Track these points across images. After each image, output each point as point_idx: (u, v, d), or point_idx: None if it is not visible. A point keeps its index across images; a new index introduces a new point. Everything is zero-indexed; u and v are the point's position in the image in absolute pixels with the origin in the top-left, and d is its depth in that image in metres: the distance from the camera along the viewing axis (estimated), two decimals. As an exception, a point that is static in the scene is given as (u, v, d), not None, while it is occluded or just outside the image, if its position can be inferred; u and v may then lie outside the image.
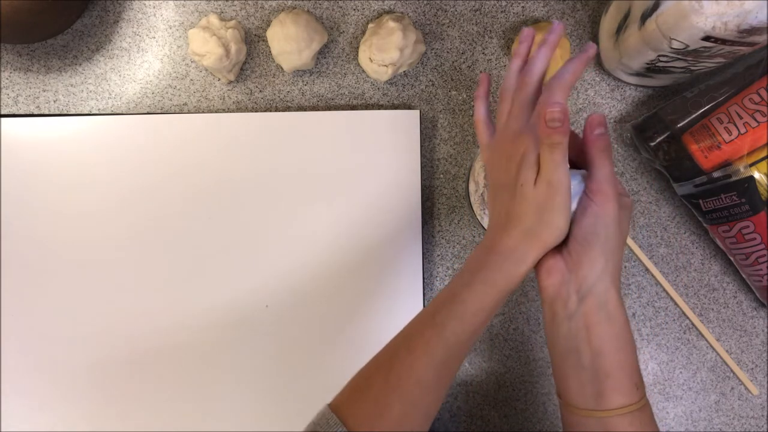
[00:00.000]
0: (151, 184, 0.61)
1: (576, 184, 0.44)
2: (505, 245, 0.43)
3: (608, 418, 0.42)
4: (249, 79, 0.63)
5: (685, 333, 0.65)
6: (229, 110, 0.63)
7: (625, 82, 0.63)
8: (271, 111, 0.63)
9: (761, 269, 0.59)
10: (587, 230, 0.42)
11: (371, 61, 0.59)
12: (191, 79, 0.62)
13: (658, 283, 0.65)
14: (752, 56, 0.56)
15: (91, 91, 0.62)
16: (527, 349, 0.64)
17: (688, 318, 0.65)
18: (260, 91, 0.63)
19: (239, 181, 0.61)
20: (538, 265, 0.45)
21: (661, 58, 0.54)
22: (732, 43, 0.48)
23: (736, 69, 0.57)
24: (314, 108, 0.63)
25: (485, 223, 0.61)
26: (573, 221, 0.43)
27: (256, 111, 0.63)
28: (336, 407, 0.42)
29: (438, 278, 0.64)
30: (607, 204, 0.42)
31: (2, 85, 0.62)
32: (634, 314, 0.65)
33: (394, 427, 0.41)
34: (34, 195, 0.60)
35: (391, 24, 0.58)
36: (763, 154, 0.55)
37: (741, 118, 0.55)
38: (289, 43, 0.58)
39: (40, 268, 0.60)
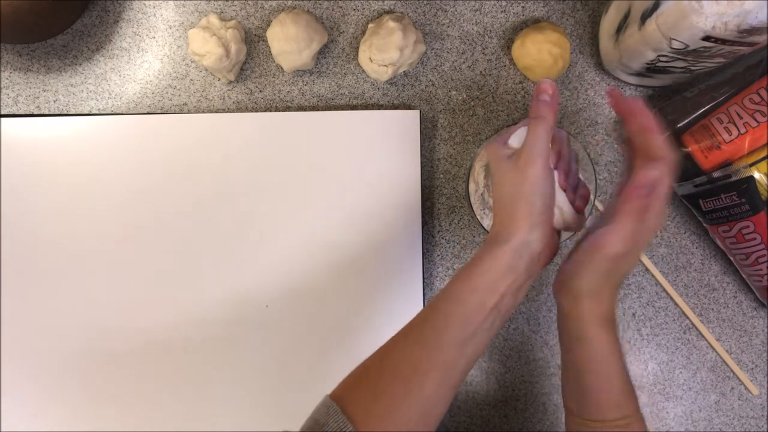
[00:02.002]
0: (151, 184, 0.61)
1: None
2: (492, 231, 0.46)
3: (588, 428, 0.46)
4: (249, 79, 0.63)
5: (685, 333, 0.65)
6: (229, 110, 0.63)
7: (625, 82, 0.63)
8: (271, 111, 0.63)
9: (761, 269, 0.59)
10: (569, 271, 0.45)
11: (371, 61, 0.59)
12: (191, 79, 0.62)
13: (658, 283, 0.65)
14: (752, 56, 0.56)
15: (91, 91, 0.62)
16: (527, 349, 0.64)
17: (688, 318, 0.65)
18: (260, 91, 0.63)
19: (239, 181, 0.61)
20: None
21: (661, 58, 0.54)
22: (732, 43, 0.48)
23: (736, 69, 0.57)
24: (314, 108, 0.63)
25: (485, 223, 0.61)
26: (569, 255, 0.46)
27: (256, 111, 0.63)
28: (335, 395, 0.43)
29: (438, 278, 0.64)
30: (599, 264, 0.44)
31: (2, 85, 0.62)
32: (634, 314, 0.65)
33: (390, 410, 0.41)
34: (34, 195, 0.60)
35: (391, 24, 0.58)
36: (763, 154, 0.55)
37: (741, 118, 0.55)
38: (289, 43, 0.58)
39: (40, 268, 0.60)
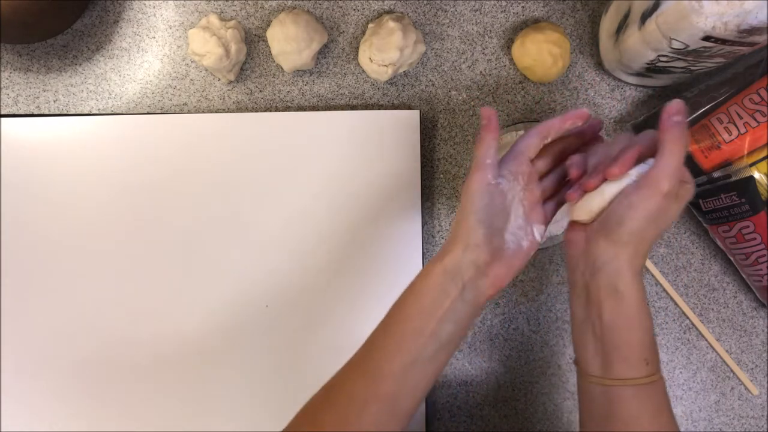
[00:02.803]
0: (150, 184, 0.61)
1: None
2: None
3: (613, 387, 0.43)
4: (249, 79, 0.63)
5: (685, 333, 0.65)
6: (229, 110, 0.63)
7: (625, 82, 0.63)
8: (271, 111, 0.63)
9: (761, 269, 0.59)
10: (615, 217, 0.42)
11: (371, 61, 0.59)
12: (191, 79, 0.62)
13: (658, 283, 0.65)
14: (752, 56, 0.56)
15: (91, 91, 0.62)
16: (527, 349, 0.64)
17: (688, 318, 0.65)
18: (260, 91, 0.63)
19: (239, 181, 0.61)
20: (565, 236, 0.46)
21: (661, 58, 0.54)
22: (732, 43, 0.48)
23: (736, 69, 0.57)
24: (314, 108, 0.63)
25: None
26: (614, 200, 0.43)
27: (256, 111, 0.63)
28: (285, 430, 0.43)
29: (438, 278, 0.64)
30: (650, 199, 0.41)
31: (2, 85, 0.62)
32: (634, 314, 0.65)
33: None
34: (34, 195, 0.60)
35: (391, 24, 0.58)
36: (763, 154, 0.55)
37: (741, 118, 0.55)
38: (289, 43, 0.58)
39: (40, 269, 0.60)
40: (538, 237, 0.45)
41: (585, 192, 0.44)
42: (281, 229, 0.61)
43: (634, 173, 0.43)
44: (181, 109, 0.63)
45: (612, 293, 0.43)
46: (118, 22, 0.62)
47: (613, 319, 0.43)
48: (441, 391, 0.64)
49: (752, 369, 0.65)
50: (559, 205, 0.48)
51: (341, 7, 0.63)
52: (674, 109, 0.41)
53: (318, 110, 0.62)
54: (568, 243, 0.46)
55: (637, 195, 0.41)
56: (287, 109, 0.63)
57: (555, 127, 0.46)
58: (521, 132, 0.60)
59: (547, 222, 0.47)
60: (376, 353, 0.43)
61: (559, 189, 0.48)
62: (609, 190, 0.43)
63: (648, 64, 0.56)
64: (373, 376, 0.41)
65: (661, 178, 0.40)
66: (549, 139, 0.47)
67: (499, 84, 0.64)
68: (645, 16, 0.51)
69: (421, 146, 0.63)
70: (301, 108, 0.63)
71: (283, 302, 0.61)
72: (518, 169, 0.45)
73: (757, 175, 0.55)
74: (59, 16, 0.57)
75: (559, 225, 0.57)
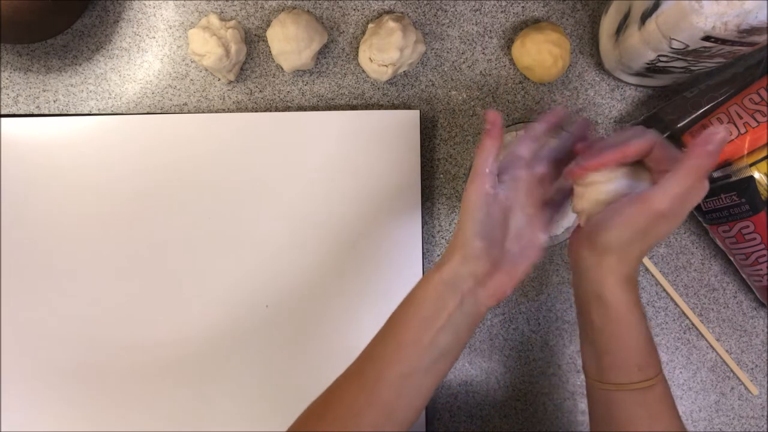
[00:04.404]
0: (150, 184, 0.61)
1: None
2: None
3: (609, 391, 0.44)
4: (249, 79, 0.63)
5: (685, 333, 0.65)
6: (229, 110, 0.63)
7: (625, 82, 0.63)
8: (271, 111, 0.63)
9: (761, 269, 0.59)
10: (603, 223, 0.42)
11: (371, 61, 0.59)
12: (191, 79, 0.63)
13: (658, 283, 0.65)
14: (752, 56, 0.56)
15: (91, 91, 0.62)
16: (527, 349, 0.64)
17: (688, 318, 0.65)
18: (260, 91, 0.63)
19: (239, 181, 0.61)
20: (569, 239, 0.47)
21: (661, 58, 0.54)
22: (732, 43, 0.48)
23: (736, 69, 0.57)
24: (314, 108, 0.63)
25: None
26: (610, 205, 0.42)
27: (256, 111, 0.63)
28: None
29: (438, 278, 0.64)
30: (640, 215, 0.40)
31: (2, 85, 0.62)
32: (634, 314, 0.65)
33: None
34: (34, 195, 0.60)
35: (391, 24, 0.58)
36: (763, 154, 0.55)
37: (741, 118, 0.55)
38: (289, 43, 0.58)
39: (39, 269, 0.60)
40: (540, 243, 0.44)
41: (585, 170, 0.43)
42: (281, 228, 0.61)
43: (621, 176, 0.42)
44: (181, 109, 0.63)
45: (596, 299, 0.43)
46: (118, 22, 0.62)
47: (602, 325, 0.43)
48: (441, 391, 0.64)
49: (752, 369, 0.65)
50: (559, 206, 0.48)
51: (341, 7, 0.63)
52: (715, 138, 0.38)
53: (318, 110, 0.62)
54: (568, 245, 0.46)
55: (629, 207, 0.40)
56: (287, 109, 0.63)
57: (539, 129, 0.46)
58: (521, 132, 0.60)
59: (548, 228, 0.46)
60: (373, 362, 0.43)
61: (560, 194, 0.48)
62: (605, 188, 0.43)
63: (648, 64, 0.56)
64: (370, 385, 0.42)
65: (659, 198, 0.39)
66: (540, 142, 0.46)
67: (499, 84, 0.64)
68: (645, 16, 0.51)
69: (421, 146, 0.63)
70: (301, 108, 0.63)
71: (283, 302, 0.61)
72: (517, 174, 0.44)
73: (757, 175, 0.55)
74: (59, 16, 0.57)
75: (559, 225, 0.57)
